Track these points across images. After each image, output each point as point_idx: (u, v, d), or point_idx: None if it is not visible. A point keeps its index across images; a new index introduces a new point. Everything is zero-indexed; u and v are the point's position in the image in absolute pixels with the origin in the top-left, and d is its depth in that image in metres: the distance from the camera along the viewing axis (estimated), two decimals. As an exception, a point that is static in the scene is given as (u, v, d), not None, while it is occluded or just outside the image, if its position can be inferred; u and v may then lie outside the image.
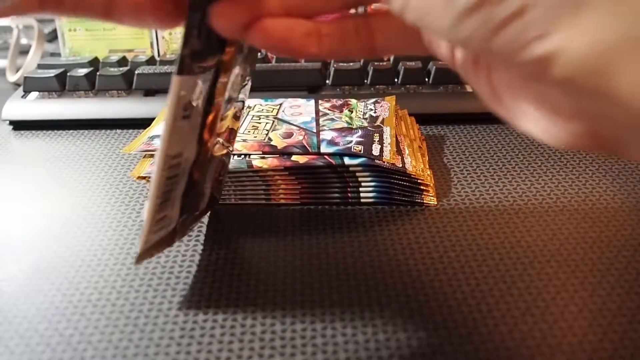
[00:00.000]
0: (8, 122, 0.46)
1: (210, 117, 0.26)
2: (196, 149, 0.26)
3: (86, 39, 0.53)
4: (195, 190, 0.28)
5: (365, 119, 0.37)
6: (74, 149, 0.42)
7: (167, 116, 0.22)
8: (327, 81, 0.47)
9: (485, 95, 0.21)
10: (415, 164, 0.34)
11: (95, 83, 0.47)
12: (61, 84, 0.47)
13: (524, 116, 0.20)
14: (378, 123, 0.36)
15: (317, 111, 0.38)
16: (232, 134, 0.30)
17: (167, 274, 0.29)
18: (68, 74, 0.47)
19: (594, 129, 0.18)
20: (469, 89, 0.45)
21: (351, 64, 0.47)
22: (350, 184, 0.34)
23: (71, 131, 0.45)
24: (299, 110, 0.38)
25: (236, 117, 0.30)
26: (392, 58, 0.48)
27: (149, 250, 0.26)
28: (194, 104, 0.24)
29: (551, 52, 0.16)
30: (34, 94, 0.47)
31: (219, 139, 0.28)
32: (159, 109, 0.42)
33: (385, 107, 0.39)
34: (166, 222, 0.26)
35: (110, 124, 0.45)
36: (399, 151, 0.35)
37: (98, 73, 0.47)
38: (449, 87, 0.45)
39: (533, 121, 0.20)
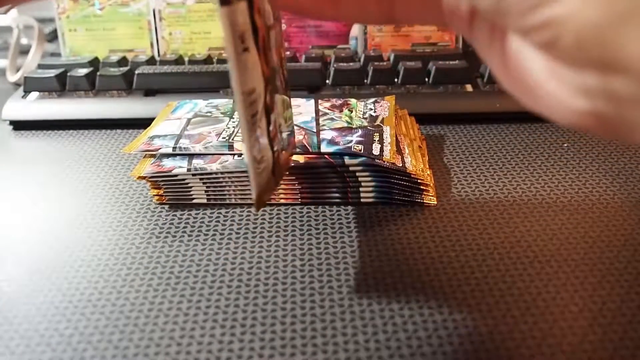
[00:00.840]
0: (8, 122, 0.46)
1: (262, 48, 0.25)
2: (263, 84, 0.25)
3: (86, 39, 0.53)
4: (275, 128, 0.28)
5: (365, 118, 0.37)
6: (74, 149, 0.42)
7: (228, 52, 0.22)
8: (327, 81, 0.47)
9: (496, 69, 0.21)
10: (415, 163, 0.34)
11: (95, 83, 0.47)
12: (61, 84, 0.47)
13: (531, 92, 0.20)
14: (378, 122, 0.36)
15: (317, 111, 0.38)
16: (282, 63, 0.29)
17: (167, 274, 0.29)
18: (68, 74, 0.47)
19: (597, 108, 0.18)
20: (469, 88, 0.45)
21: (351, 64, 0.47)
22: (351, 184, 0.34)
23: (71, 131, 0.45)
24: (298, 109, 0.38)
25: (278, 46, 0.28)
26: (392, 58, 0.48)
27: (262, 195, 0.26)
28: (247, 36, 0.23)
29: (560, 17, 0.16)
30: (34, 94, 0.47)
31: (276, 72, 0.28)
32: (159, 109, 0.42)
33: (385, 107, 0.39)
34: (265, 162, 0.26)
35: (110, 124, 0.45)
36: (399, 151, 0.35)
37: (98, 73, 0.47)
38: (449, 87, 0.45)
39: (539, 97, 0.20)
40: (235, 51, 0.22)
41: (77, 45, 0.53)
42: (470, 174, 0.37)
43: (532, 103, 0.20)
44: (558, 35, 0.16)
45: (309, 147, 0.34)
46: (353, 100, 0.40)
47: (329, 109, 0.38)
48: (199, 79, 0.47)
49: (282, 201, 0.34)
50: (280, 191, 0.34)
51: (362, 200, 0.34)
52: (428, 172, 0.35)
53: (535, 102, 0.20)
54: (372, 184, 0.34)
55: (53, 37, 0.64)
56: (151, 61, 0.49)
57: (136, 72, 0.47)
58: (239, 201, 0.34)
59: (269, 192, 0.28)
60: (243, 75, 0.23)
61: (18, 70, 0.55)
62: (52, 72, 0.47)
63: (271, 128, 0.27)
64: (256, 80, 0.25)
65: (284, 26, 0.52)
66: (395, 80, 0.46)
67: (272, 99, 0.27)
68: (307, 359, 0.24)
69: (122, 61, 0.49)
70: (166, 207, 0.35)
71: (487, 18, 0.20)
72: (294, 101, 0.40)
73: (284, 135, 0.30)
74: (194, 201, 0.35)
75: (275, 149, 0.28)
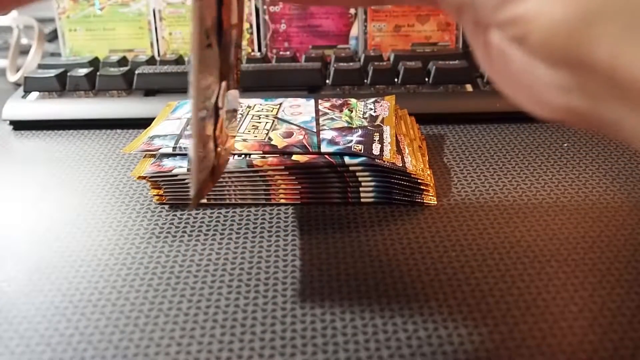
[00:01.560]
0: (8, 122, 0.46)
1: (224, 46, 0.26)
2: (218, 82, 0.26)
3: (86, 39, 0.53)
4: (221, 126, 0.28)
5: (365, 118, 0.37)
6: (74, 149, 0.42)
7: (193, 46, 0.22)
8: (327, 81, 0.47)
9: (480, 56, 0.21)
10: (415, 163, 0.34)
11: (95, 83, 0.47)
12: (61, 84, 0.47)
13: (510, 83, 0.20)
14: (378, 122, 0.36)
15: (317, 111, 0.38)
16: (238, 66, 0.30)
17: (167, 274, 0.29)
18: (68, 74, 0.47)
19: (572, 103, 0.18)
20: (469, 88, 0.45)
21: (351, 64, 0.47)
22: (351, 184, 0.34)
23: (71, 131, 0.45)
24: (298, 109, 0.38)
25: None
26: (392, 58, 0.48)
27: (200, 191, 0.26)
28: (211, 32, 0.24)
29: (528, 14, 0.15)
30: (34, 94, 0.47)
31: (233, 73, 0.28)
32: (159, 109, 0.42)
33: (385, 107, 0.39)
34: (209, 160, 0.26)
35: (110, 124, 0.45)
36: (399, 151, 0.35)
37: (98, 73, 0.47)
38: (449, 87, 0.45)
39: (518, 89, 0.19)
40: (199, 46, 0.22)
41: (77, 45, 0.53)
42: (470, 174, 0.37)
43: (511, 94, 0.20)
44: (527, 32, 0.16)
45: (309, 147, 0.34)
46: (353, 100, 0.40)
47: (329, 109, 0.38)
48: (199, 79, 0.47)
49: (282, 201, 0.34)
50: (280, 191, 0.34)
51: (362, 200, 0.34)
52: (428, 172, 0.35)
53: (517, 94, 0.20)
54: (372, 184, 0.34)
55: (53, 37, 0.64)
56: (151, 61, 0.49)
57: (136, 72, 0.47)
58: (239, 201, 0.34)
59: (205, 191, 0.27)
60: (203, 71, 0.23)
61: (18, 70, 0.55)
62: (52, 72, 0.47)
63: (218, 126, 0.27)
64: (213, 78, 0.25)
65: (283, 26, 0.52)
66: (395, 80, 0.46)
67: (224, 97, 0.27)
68: (307, 359, 0.24)
69: (122, 61, 0.49)
70: (166, 207, 0.35)
71: (453, 10, 0.20)
72: (295, 101, 0.40)
73: (226, 133, 0.30)
74: (194, 201, 0.35)
75: (218, 148, 0.28)
